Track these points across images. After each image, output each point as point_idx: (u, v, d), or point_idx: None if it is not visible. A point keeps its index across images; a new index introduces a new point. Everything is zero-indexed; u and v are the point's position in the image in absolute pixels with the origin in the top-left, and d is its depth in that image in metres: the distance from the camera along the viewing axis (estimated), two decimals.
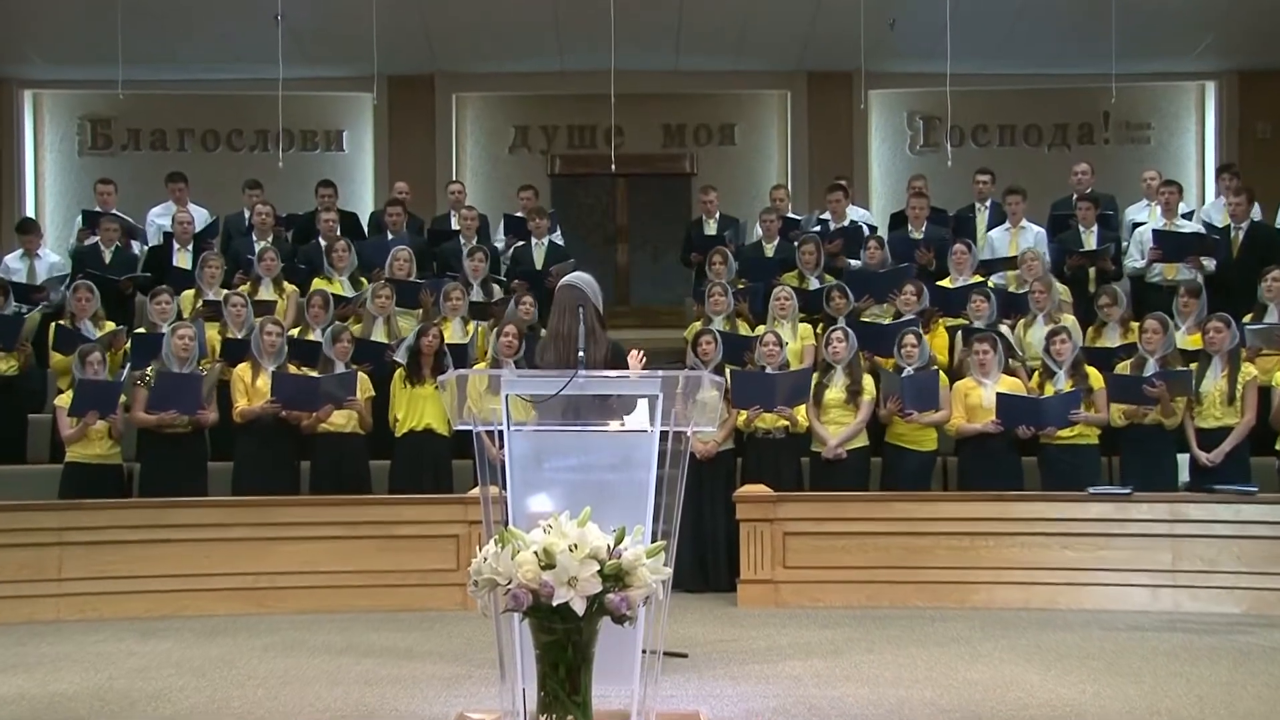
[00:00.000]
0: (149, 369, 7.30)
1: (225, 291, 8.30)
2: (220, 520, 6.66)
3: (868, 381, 7.44)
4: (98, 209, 9.69)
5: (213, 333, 8.00)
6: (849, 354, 7.43)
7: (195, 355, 7.35)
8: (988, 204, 9.69)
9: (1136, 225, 9.28)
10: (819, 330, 8.07)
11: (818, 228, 9.73)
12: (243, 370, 7.37)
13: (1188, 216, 9.33)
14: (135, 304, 9.03)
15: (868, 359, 7.76)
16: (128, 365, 7.59)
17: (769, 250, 9.49)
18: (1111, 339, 7.95)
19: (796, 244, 9.08)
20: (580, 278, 4.99)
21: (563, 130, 12.37)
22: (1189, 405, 7.16)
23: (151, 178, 11.15)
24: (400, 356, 7.71)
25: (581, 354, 4.22)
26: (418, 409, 7.48)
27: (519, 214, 10.02)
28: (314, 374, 7.41)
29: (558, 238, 9.88)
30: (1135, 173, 10.85)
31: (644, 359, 4.95)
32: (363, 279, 8.78)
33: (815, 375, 7.48)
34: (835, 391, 7.38)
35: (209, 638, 5.84)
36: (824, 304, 8.28)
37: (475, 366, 7.77)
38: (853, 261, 9.20)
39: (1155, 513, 6.61)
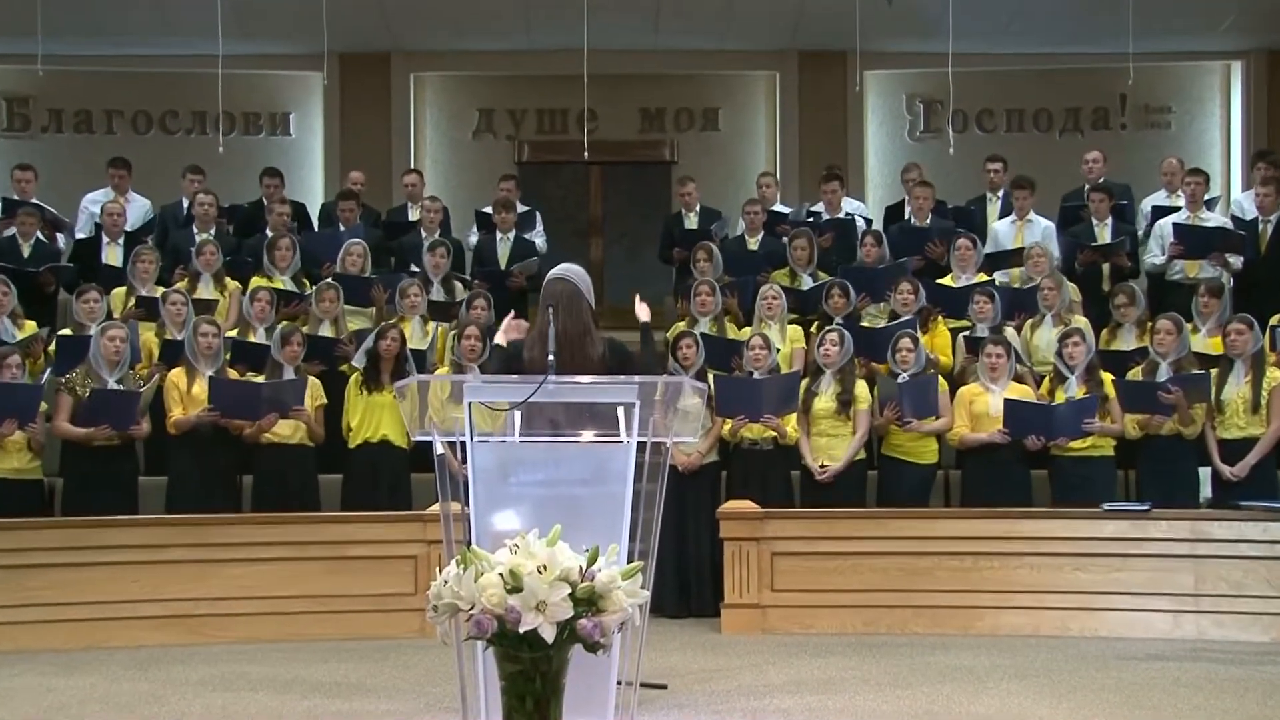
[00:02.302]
0: (74, 373, 7.24)
1: (161, 289, 8.25)
2: (153, 541, 6.61)
3: (862, 389, 7.41)
4: (15, 197, 9.62)
5: (148, 334, 7.96)
6: (843, 358, 7.43)
7: (127, 359, 7.30)
8: (1000, 195, 9.72)
9: (1157, 210, 9.25)
10: (813, 331, 8.08)
11: (810, 220, 9.73)
12: (177, 376, 7.33)
13: (1210, 205, 9.34)
14: (59, 303, 8.97)
15: (863, 364, 7.77)
16: (48, 370, 7.53)
17: (753, 245, 9.50)
18: (1127, 342, 7.98)
19: (787, 239, 9.09)
20: (571, 270, 4.88)
21: (531, 114, 12.38)
22: (1210, 415, 7.20)
23: (76, 163, 11.11)
24: (357, 361, 7.69)
25: (552, 358, 4.21)
26: (374, 418, 7.47)
27: (489, 209, 10.01)
28: (258, 379, 7.37)
29: (536, 235, 9.86)
30: (1154, 160, 10.91)
31: (648, 312, 4.96)
32: (306, 279, 8.75)
33: (804, 381, 7.49)
34: (825, 400, 7.37)
35: (138, 671, 5.80)
36: (822, 303, 8.29)
37: (436, 372, 7.77)
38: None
39: (1176, 531, 6.63)
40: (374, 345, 7.54)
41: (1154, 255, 9.05)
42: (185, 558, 6.57)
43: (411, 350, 7.71)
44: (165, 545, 6.60)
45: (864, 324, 8.28)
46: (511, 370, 4.72)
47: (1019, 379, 7.57)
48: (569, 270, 4.85)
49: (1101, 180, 9.59)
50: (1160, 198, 9.63)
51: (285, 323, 7.89)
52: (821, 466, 7.28)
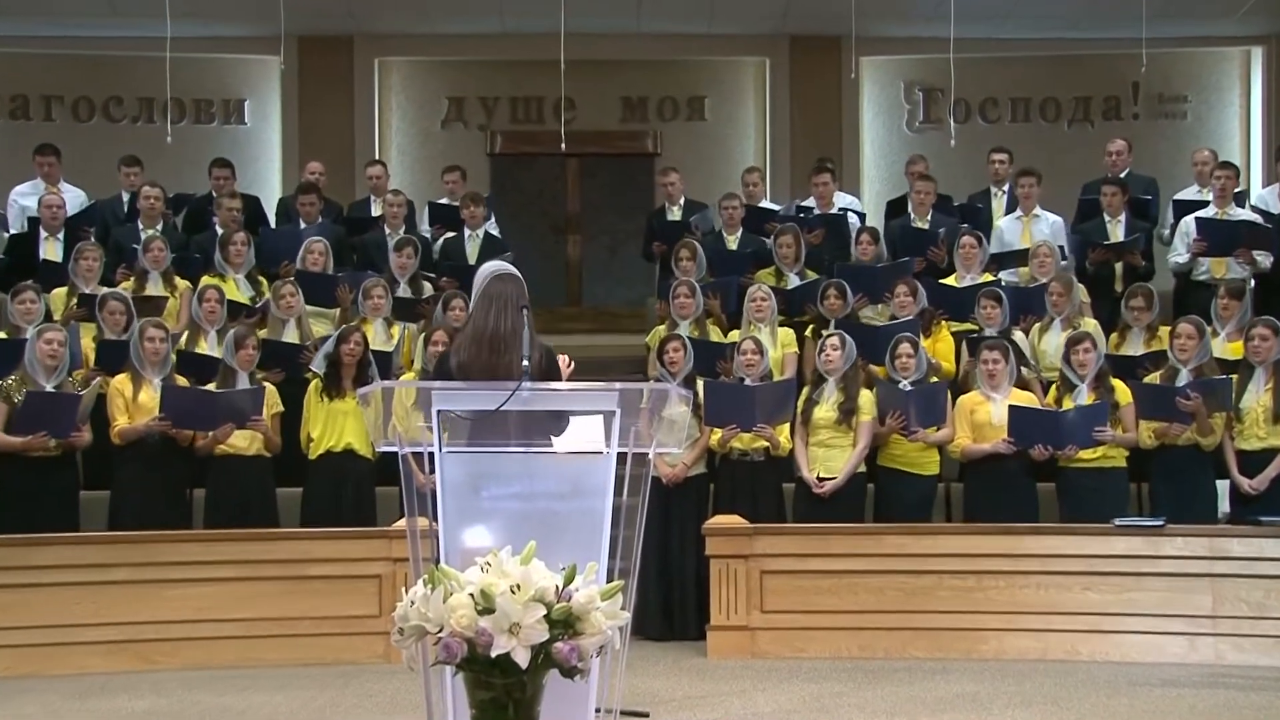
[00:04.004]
0: (9, 380, 7.21)
1: (104, 289, 8.22)
2: (96, 560, 6.59)
3: (865, 399, 7.38)
4: None
5: (88, 339, 7.92)
6: (845, 364, 7.41)
7: (65, 364, 7.26)
8: (1005, 188, 9.74)
9: (1179, 205, 9.23)
10: (808, 334, 8.08)
11: (800, 216, 9.74)
12: (121, 383, 7.30)
13: (1239, 200, 9.29)
14: None
15: (862, 365, 7.77)
16: None
17: (731, 242, 9.51)
18: (1135, 346, 8.00)
19: (773, 236, 9.10)
20: (512, 267, 4.90)
21: (504, 102, 12.40)
22: (1229, 424, 7.24)
23: (11, 152, 11.04)
24: (317, 365, 7.68)
25: (526, 362, 4.22)
26: (337, 426, 7.45)
27: (445, 200, 9.99)
28: (212, 388, 7.34)
29: (492, 226, 9.87)
30: (1168, 152, 11.00)
31: (571, 366, 4.91)
32: (262, 277, 8.72)
33: (805, 389, 7.50)
34: (826, 409, 7.36)
35: (80, 701, 5.79)
36: (817, 303, 8.30)
37: (401, 376, 7.76)
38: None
39: (1192, 548, 6.65)
40: (334, 349, 7.52)
41: (1178, 253, 9.07)
42: (131, 578, 6.55)
43: (375, 352, 7.71)
44: (109, 564, 6.58)
45: (862, 322, 8.28)
46: (442, 375, 4.69)
47: (1024, 385, 7.59)
48: (509, 267, 4.88)
49: (1125, 173, 9.60)
50: (1192, 192, 9.61)
51: (238, 326, 7.82)
52: (820, 480, 7.29)
